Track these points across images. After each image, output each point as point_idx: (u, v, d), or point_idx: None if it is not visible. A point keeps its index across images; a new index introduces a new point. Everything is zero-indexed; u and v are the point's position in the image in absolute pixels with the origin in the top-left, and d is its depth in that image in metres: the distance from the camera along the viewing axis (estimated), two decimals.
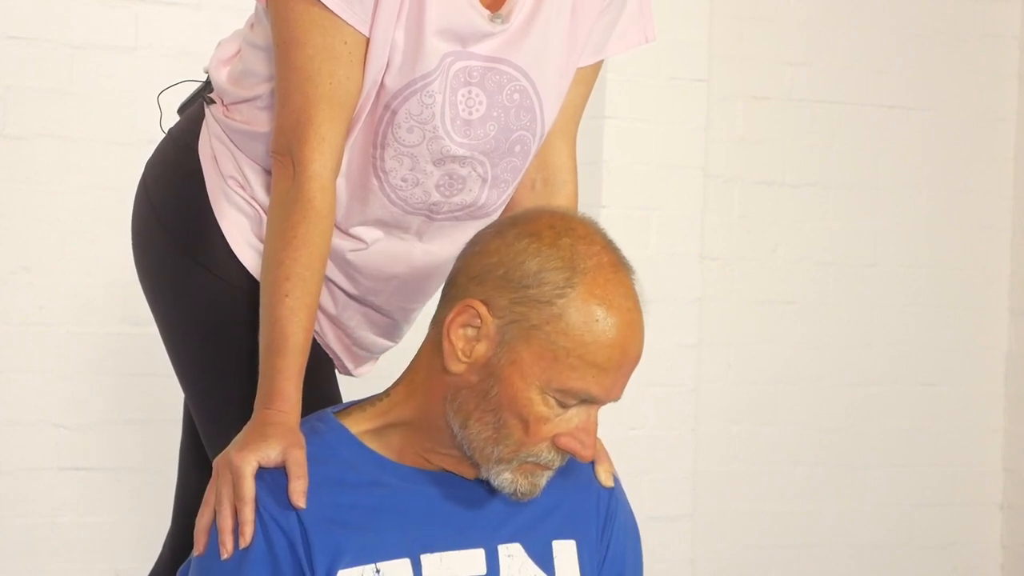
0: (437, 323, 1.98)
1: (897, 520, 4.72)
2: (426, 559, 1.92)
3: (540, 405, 1.91)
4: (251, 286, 2.14)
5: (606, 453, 2.11)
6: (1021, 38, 4.78)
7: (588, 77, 2.23)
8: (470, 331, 1.93)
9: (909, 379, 4.73)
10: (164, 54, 3.91)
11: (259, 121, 2.16)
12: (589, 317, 1.89)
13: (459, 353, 1.93)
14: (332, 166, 2.04)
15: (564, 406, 1.92)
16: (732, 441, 4.55)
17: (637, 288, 1.94)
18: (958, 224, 4.77)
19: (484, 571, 1.95)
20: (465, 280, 1.95)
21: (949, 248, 4.76)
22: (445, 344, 1.93)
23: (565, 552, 2.02)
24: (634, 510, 2.15)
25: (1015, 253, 4.79)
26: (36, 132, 3.85)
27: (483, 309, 1.92)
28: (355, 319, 2.27)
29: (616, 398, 1.95)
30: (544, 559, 1.99)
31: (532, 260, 1.91)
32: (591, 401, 1.92)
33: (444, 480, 1.99)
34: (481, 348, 1.92)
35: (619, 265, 1.94)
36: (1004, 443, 4.81)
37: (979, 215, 4.78)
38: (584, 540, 2.04)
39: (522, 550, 1.98)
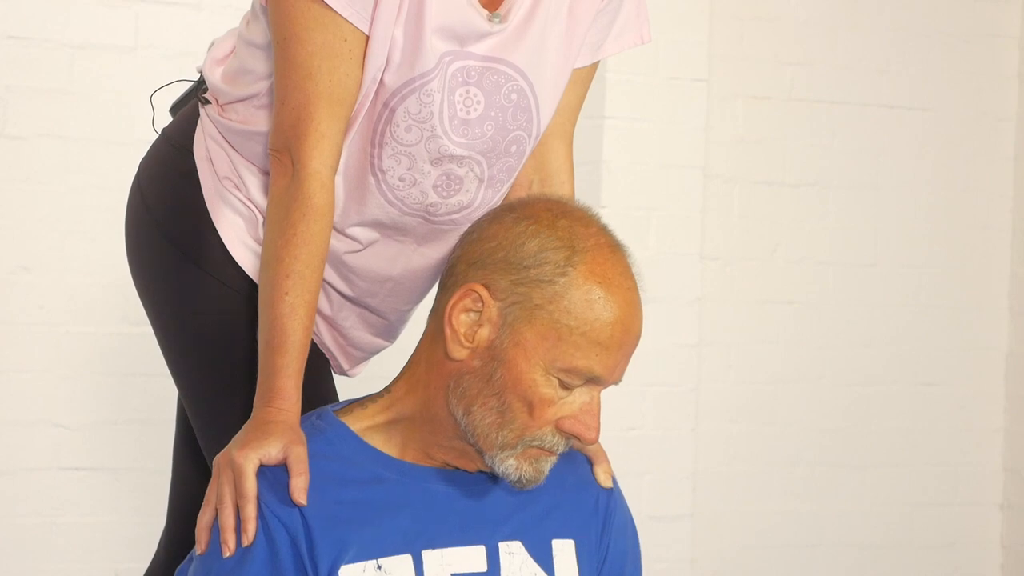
0: (437, 313, 1.99)
1: (897, 520, 4.72)
2: (427, 555, 1.93)
3: (544, 386, 1.92)
4: (247, 287, 2.14)
5: (604, 453, 2.11)
6: (1021, 38, 4.78)
7: (585, 78, 2.23)
8: (472, 315, 1.94)
9: (909, 379, 4.73)
10: (164, 54, 3.91)
11: (256, 120, 2.15)
12: (591, 295, 1.91)
13: (462, 338, 1.94)
14: (331, 163, 2.04)
15: (567, 387, 1.93)
16: (732, 441, 4.55)
17: (634, 269, 1.97)
18: (958, 224, 4.76)
19: (485, 568, 1.95)
20: (464, 267, 1.96)
21: (949, 248, 4.75)
22: (447, 330, 1.94)
23: (564, 551, 2.02)
24: (634, 510, 2.16)
25: (1015, 253, 4.78)
26: (36, 132, 3.85)
27: (484, 292, 1.93)
28: (350, 320, 2.26)
29: (618, 380, 1.96)
30: (544, 558, 2.00)
31: (531, 241, 1.93)
32: (595, 382, 1.94)
33: (446, 476, 1.99)
34: (484, 332, 1.93)
35: (616, 246, 1.97)
36: (1004, 443, 4.81)
37: (979, 215, 4.78)
38: (583, 540, 2.04)
39: (523, 548, 1.98)
